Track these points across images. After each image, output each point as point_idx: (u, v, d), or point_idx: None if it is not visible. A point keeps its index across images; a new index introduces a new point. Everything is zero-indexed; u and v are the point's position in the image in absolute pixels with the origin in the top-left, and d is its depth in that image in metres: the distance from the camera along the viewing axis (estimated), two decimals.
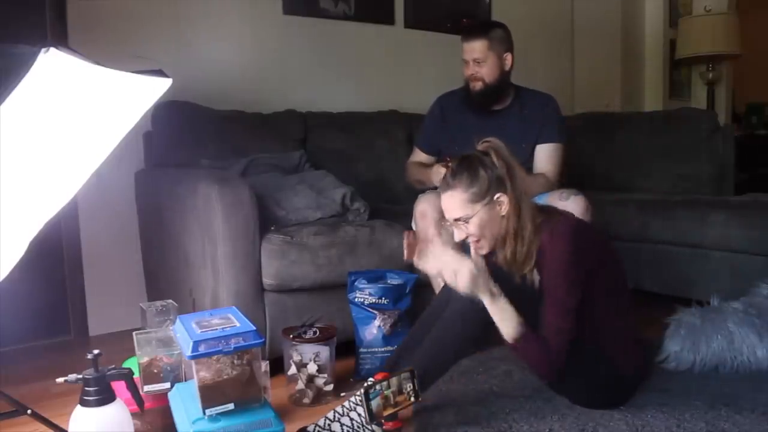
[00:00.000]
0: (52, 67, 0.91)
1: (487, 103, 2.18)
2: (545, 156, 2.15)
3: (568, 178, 2.11)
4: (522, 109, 2.20)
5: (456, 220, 1.48)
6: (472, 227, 1.46)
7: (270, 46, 2.80)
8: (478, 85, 2.15)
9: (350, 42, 3.03)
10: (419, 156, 2.32)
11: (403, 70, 3.17)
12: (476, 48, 2.12)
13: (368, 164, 2.73)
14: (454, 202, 1.47)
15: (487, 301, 1.43)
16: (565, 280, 1.41)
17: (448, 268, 1.44)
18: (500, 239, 1.48)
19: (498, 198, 1.45)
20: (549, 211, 1.54)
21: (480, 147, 1.49)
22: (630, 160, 3.19)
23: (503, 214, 1.46)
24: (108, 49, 2.28)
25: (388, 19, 3.15)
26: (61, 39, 2.25)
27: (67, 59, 0.92)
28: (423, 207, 1.95)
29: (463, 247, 1.52)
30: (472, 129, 2.14)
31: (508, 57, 2.16)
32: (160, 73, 1.06)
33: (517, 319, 1.42)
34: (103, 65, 0.97)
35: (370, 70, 3.09)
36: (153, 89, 1.08)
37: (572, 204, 1.86)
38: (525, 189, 1.48)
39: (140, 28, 2.45)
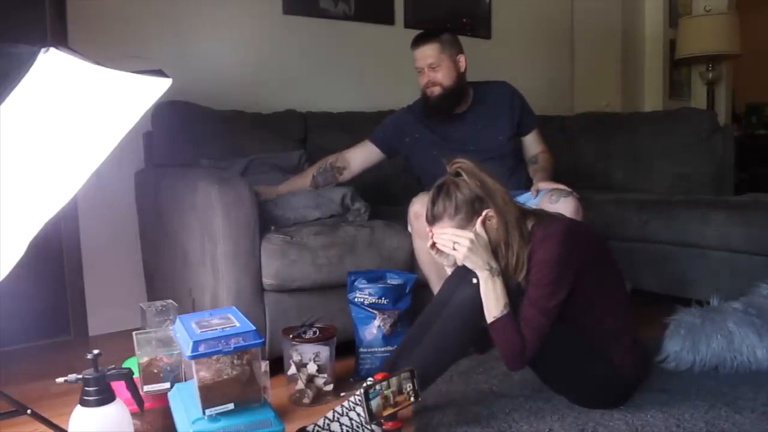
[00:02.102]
0: (52, 67, 0.91)
1: (448, 108, 2.17)
2: (534, 140, 2.30)
3: (566, 177, 2.11)
4: (487, 104, 2.21)
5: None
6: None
7: (270, 46, 2.80)
8: (436, 90, 2.13)
9: (350, 42, 3.03)
10: (361, 147, 2.28)
11: (403, 70, 3.15)
12: (428, 53, 2.10)
13: None
14: (447, 233, 1.47)
15: (483, 276, 1.44)
16: (550, 279, 1.41)
17: (447, 239, 1.45)
18: (492, 251, 1.48)
19: (487, 214, 1.46)
20: (540, 215, 1.54)
21: (450, 170, 1.50)
22: (630, 160, 3.19)
23: (495, 227, 1.47)
24: (108, 49, 2.29)
25: (388, 19, 3.15)
26: (60, 38, 2.25)
27: (67, 59, 0.92)
28: (417, 208, 1.94)
29: (464, 268, 1.51)
30: (447, 135, 2.17)
31: (461, 58, 2.15)
32: (160, 73, 1.06)
33: (504, 301, 1.43)
34: (103, 65, 0.97)
35: (370, 70, 3.09)
36: (153, 89, 1.08)
37: (562, 206, 1.86)
38: (504, 197, 1.48)
39: (140, 28, 2.45)
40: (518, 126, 2.24)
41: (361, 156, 2.28)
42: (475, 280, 1.47)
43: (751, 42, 4.29)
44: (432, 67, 2.11)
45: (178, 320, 1.42)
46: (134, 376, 1.33)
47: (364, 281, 1.90)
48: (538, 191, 2.02)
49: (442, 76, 2.12)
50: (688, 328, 1.85)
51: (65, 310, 2.40)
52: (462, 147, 2.11)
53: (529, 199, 1.99)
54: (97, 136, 1.07)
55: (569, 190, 1.95)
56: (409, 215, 1.99)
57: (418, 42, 2.15)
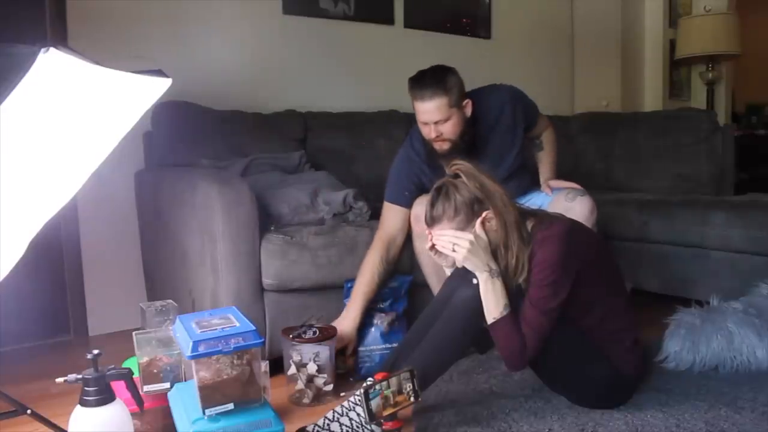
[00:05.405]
0: (52, 67, 0.91)
1: (459, 155, 1.81)
2: (540, 122, 2.17)
3: (567, 178, 2.10)
4: (489, 122, 1.99)
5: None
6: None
7: (270, 46, 2.80)
8: (445, 146, 1.89)
9: (350, 42, 3.03)
10: (393, 216, 1.98)
11: (403, 70, 3.14)
12: (436, 109, 1.83)
13: (368, 164, 2.73)
14: (447, 235, 1.46)
15: (482, 278, 1.44)
16: (551, 279, 1.41)
17: (447, 241, 1.45)
18: (492, 253, 1.47)
19: (486, 215, 1.46)
20: (540, 216, 1.54)
21: (450, 171, 1.50)
22: (630, 160, 3.19)
23: (495, 229, 1.47)
24: (108, 49, 2.28)
25: (388, 19, 3.15)
26: (60, 38, 2.25)
27: (66, 59, 0.92)
28: (417, 211, 1.92)
29: (464, 269, 1.51)
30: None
31: (468, 104, 1.91)
32: (160, 73, 1.06)
33: (504, 302, 1.43)
34: (103, 65, 0.97)
35: (370, 70, 3.09)
36: (153, 89, 1.08)
37: (578, 205, 1.86)
38: (503, 199, 1.47)
39: (140, 28, 2.45)
40: (524, 130, 2.08)
41: (399, 222, 1.99)
42: (475, 281, 1.47)
43: (751, 42, 4.29)
44: (439, 123, 1.86)
45: (178, 320, 1.42)
46: (134, 376, 1.33)
47: None
48: (552, 189, 2.00)
49: (451, 131, 1.87)
50: (688, 328, 1.85)
51: (65, 310, 2.40)
52: None
53: (541, 197, 1.99)
54: (97, 136, 1.07)
55: (583, 189, 1.95)
56: (410, 218, 1.98)
57: (422, 94, 1.85)
